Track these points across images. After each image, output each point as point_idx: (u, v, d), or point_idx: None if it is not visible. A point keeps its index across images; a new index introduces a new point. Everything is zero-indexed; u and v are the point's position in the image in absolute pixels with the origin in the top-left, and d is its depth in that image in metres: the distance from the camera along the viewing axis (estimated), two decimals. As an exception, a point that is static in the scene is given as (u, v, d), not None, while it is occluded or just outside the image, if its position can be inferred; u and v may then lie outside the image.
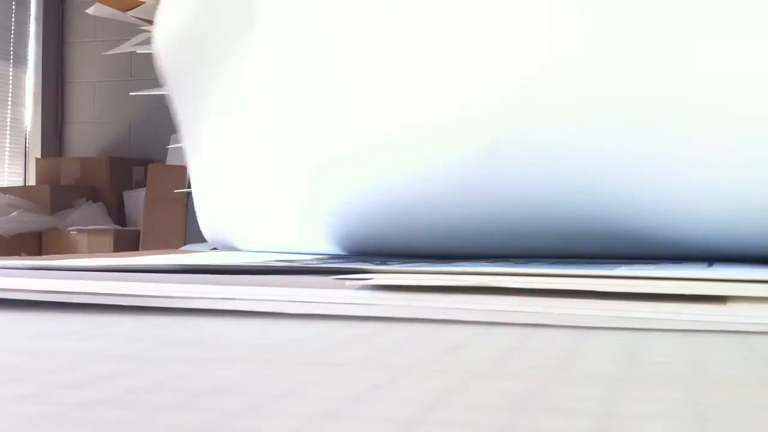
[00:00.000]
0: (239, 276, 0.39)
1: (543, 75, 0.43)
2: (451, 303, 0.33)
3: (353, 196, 0.53)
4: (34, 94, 3.29)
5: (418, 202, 0.50)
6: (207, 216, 0.70)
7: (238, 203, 0.65)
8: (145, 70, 2.99)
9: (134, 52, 2.70)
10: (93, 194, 2.96)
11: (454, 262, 0.47)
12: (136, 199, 2.89)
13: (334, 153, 0.53)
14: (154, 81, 2.82)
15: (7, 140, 3.23)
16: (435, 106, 0.47)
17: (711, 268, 0.42)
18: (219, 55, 0.59)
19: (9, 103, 3.21)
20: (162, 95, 2.90)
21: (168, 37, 0.61)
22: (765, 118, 0.39)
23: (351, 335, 0.30)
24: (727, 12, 0.38)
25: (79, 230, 2.73)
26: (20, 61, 3.26)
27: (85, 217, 2.80)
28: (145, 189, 2.72)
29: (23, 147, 3.31)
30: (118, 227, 2.85)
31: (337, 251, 0.59)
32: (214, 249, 0.76)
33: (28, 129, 3.31)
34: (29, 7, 3.25)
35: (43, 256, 0.65)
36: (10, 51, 3.20)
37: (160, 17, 0.62)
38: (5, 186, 3.10)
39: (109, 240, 2.71)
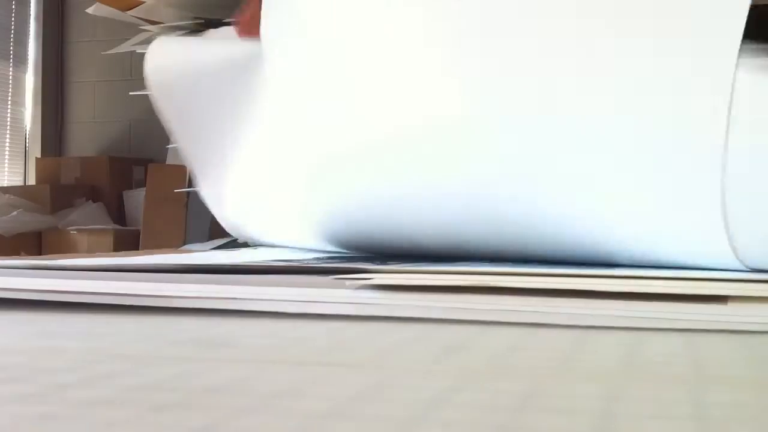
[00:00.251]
0: (239, 276, 0.39)
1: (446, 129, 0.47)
2: (451, 303, 0.33)
3: (345, 196, 0.54)
4: (34, 93, 3.28)
5: (396, 205, 0.51)
6: (222, 207, 0.72)
7: (249, 201, 0.66)
8: (145, 70, 2.99)
9: (134, 51, 2.70)
10: (93, 194, 2.96)
11: (454, 262, 0.47)
12: (136, 199, 2.89)
13: (331, 153, 0.53)
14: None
15: (7, 140, 3.22)
16: (401, 122, 0.49)
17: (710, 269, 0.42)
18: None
19: (9, 102, 3.21)
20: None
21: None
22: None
23: (351, 335, 0.30)
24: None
25: (79, 230, 2.73)
26: (20, 60, 3.26)
27: (85, 217, 2.80)
28: (145, 189, 2.72)
29: (23, 147, 3.31)
30: (118, 227, 2.85)
31: (337, 249, 0.60)
32: (216, 248, 0.76)
33: (28, 129, 3.31)
34: (29, 6, 3.25)
35: (43, 256, 0.65)
36: (10, 51, 3.20)
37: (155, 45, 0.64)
38: (5, 186, 3.09)
39: (109, 240, 2.71)
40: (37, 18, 3.24)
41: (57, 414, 0.18)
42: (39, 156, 3.19)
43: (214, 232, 2.73)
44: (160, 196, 2.64)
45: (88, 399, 0.19)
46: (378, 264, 0.45)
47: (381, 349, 0.27)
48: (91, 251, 2.51)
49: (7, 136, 3.20)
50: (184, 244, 2.47)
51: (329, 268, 0.40)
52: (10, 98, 3.20)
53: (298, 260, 0.52)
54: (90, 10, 2.62)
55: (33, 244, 2.72)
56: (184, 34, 2.39)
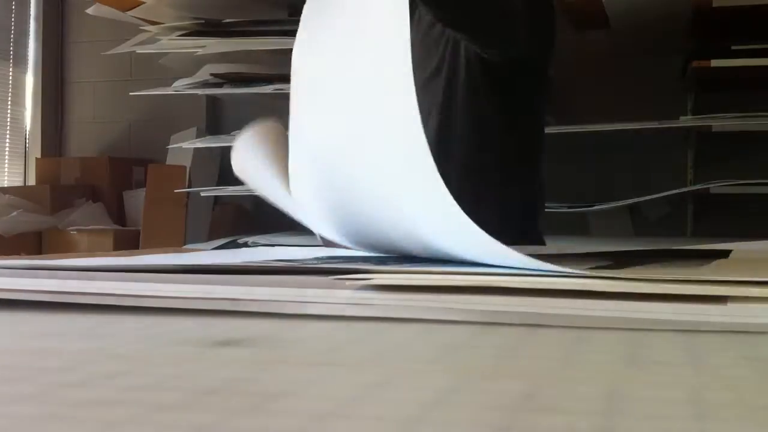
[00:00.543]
0: (239, 276, 0.39)
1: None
2: (451, 303, 0.33)
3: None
4: (34, 94, 3.29)
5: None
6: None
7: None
8: (145, 70, 2.99)
9: (134, 52, 2.71)
10: (93, 194, 2.96)
11: (454, 262, 0.48)
12: (136, 199, 2.90)
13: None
14: (154, 81, 2.81)
15: (7, 140, 3.23)
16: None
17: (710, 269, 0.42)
18: None
19: (9, 103, 3.21)
20: (162, 95, 2.89)
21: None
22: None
23: (351, 335, 0.30)
24: None
25: (79, 230, 2.73)
26: (20, 61, 3.26)
27: (85, 217, 2.80)
28: (145, 189, 2.72)
29: (23, 147, 3.31)
30: (118, 227, 2.86)
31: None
32: (216, 248, 0.76)
33: (28, 129, 3.31)
34: (29, 6, 3.25)
35: (43, 256, 0.65)
36: (10, 51, 3.20)
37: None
38: (5, 186, 3.10)
39: (109, 240, 2.71)
40: (37, 18, 3.25)
41: (57, 414, 0.18)
42: (39, 156, 3.19)
43: (213, 232, 2.73)
44: (160, 196, 2.64)
45: (88, 399, 0.19)
46: (378, 264, 0.45)
47: (381, 349, 0.27)
48: (91, 251, 2.51)
49: (7, 136, 3.20)
50: (184, 244, 2.48)
51: (329, 268, 0.40)
52: (10, 98, 3.20)
53: (298, 260, 0.52)
54: (90, 11, 2.62)
55: (33, 244, 2.72)
56: (183, 34, 2.38)
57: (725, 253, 0.60)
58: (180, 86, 2.54)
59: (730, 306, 0.31)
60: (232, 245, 2.26)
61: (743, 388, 0.21)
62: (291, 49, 0.58)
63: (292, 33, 0.59)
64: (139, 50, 2.59)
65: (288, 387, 0.21)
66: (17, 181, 3.22)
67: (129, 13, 2.55)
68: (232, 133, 2.32)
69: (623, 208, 2.32)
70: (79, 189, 2.93)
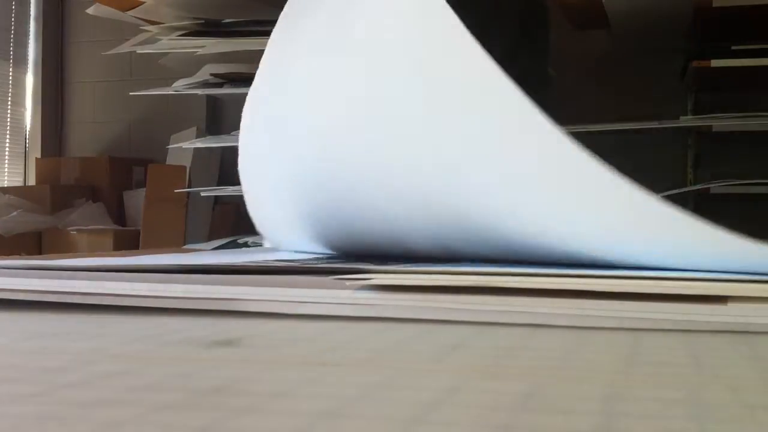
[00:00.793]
0: (239, 276, 0.39)
1: None
2: (451, 303, 0.33)
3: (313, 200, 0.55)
4: (34, 94, 3.29)
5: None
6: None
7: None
8: (145, 70, 2.99)
9: (134, 52, 2.70)
10: (93, 194, 2.96)
11: (453, 262, 0.47)
12: (136, 199, 2.90)
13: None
14: (154, 81, 2.81)
15: (7, 140, 3.23)
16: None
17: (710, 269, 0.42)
18: None
19: (9, 103, 3.21)
20: (162, 95, 2.89)
21: None
22: None
23: (351, 335, 0.30)
24: None
25: (79, 230, 2.73)
26: (20, 61, 3.26)
27: (85, 217, 2.80)
28: (145, 189, 2.72)
29: (23, 147, 3.31)
30: (118, 227, 2.86)
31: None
32: (216, 248, 0.76)
33: (28, 129, 3.31)
34: (29, 6, 3.25)
35: (43, 256, 0.65)
36: (10, 51, 3.20)
37: None
38: (5, 186, 3.10)
39: (109, 240, 2.71)
40: (37, 18, 3.25)
41: (57, 414, 0.18)
42: (39, 156, 3.19)
43: (213, 232, 2.73)
44: (160, 196, 2.64)
45: (88, 399, 0.19)
46: (378, 264, 0.45)
47: (381, 349, 0.27)
48: (91, 251, 2.51)
49: (7, 136, 3.20)
50: (184, 244, 2.47)
51: (329, 268, 0.40)
52: (10, 98, 3.20)
53: (298, 260, 0.52)
54: (90, 11, 2.62)
55: (33, 244, 2.72)
56: (183, 34, 2.38)
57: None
58: (180, 86, 2.54)
59: (730, 306, 0.31)
60: (232, 245, 2.26)
61: (743, 388, 0.21)
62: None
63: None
64: (139, 50, 2.58)
65: (288, 387, 0.21)
66: (17, 181, 3.22)
67: (129, 13, 2.55)
68: (232, 133, 2.31)
69: (623, 208, 2.31)
70: (79, 189, 2.93)
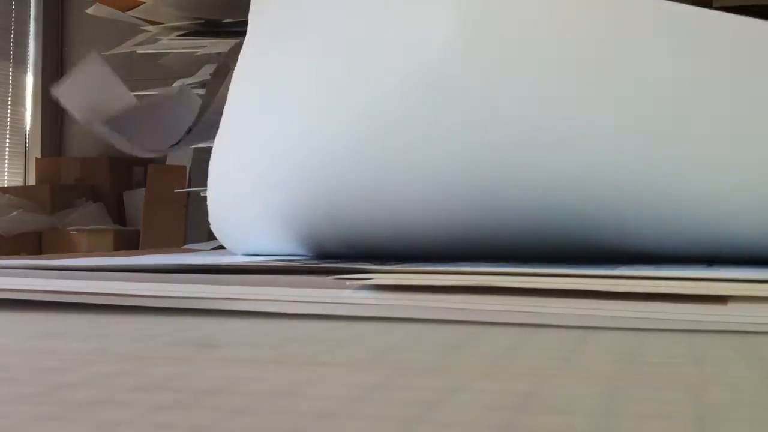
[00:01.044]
0: (239, 276, 0.39)
1: None
2: (451, 303, 0.33)
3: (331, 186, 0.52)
4: (34, 93, 3.29)
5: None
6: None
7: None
8: (145, 70, 2.99)
9: (134, 52, 2.70)
10: (93, 194, 2.96)
11: (453, 262, 0.47)
12: (136, 199, 2.90)
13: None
14: (154, 81, 2.82)
15: (7, 140, 3.23)
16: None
17: (711, 268, 0.42)
18: None
19: (9, 103, 3.21)
20: (162, 95, 2.86)
21: None
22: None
23: (351, 335, 0.30)
24: None
25: (79, 230, 2.73)
26: (20, 61, 3.26)
27: (85, 217, 2.80)
28: (145, 189, 2.72)
29: (23, 147, 3.31)
30: (118, 227, 2.86)
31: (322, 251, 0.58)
32: (216, 248, 0.75)
33: (28, 129, 3.32)
34: (29, 6, 3.25)
35: (43, 256, 0.65)
36: (10, 51, 3.21)
37: None
38: (5, 186, 3.10)
39: (109, 240, 2.71)
40: (37, 18, 3.25)
41: (57, 414, 0.18)
42: (39, 156, 3.19)
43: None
44: (160, 196, 2.64)
45: (88, 399, 0.19)
46: (378, 264, 0.45)
47: (381, 349, 0.27)
48: (91, 251, 2.51)
49: (7, 136, 3.20)
50: (184, 244, 2.47)
51: (329, 268, 0.40)
52: (10, 98, 3.20)
53: (298, 260, 0.52)
54: (90, 11, 2.62)
55: (33, 244, 2.72)
56: (183, 34, 2.38)
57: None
58: (180, 86, 2.54)
59: (730, 306, 0.31)
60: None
61: (743, 388, 0.21)
62: None
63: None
64: (139, 50, 2.58)
65: (288, 387, 0.21)
66: (17, 181, 3.22)
67: (129, 13, 2.55)
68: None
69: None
70: (79, 189, 2.93)
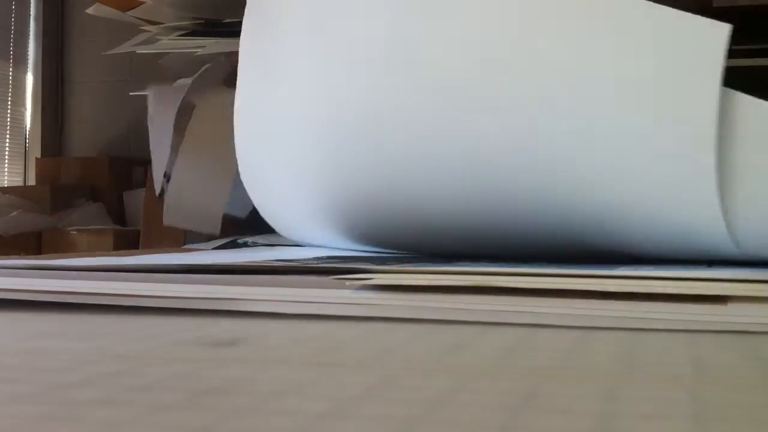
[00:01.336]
0: (239, 276, 0.39)
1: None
2: (451, 303, 0.33)
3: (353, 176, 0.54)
4: (34, 94, 3.28)
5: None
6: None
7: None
8: (145, 70, 2.99)
9: (134, 52, 2.70)
10: (93, 194, 2.96)
11: (454, 262, 0.47)
12: (136, 199, 2.89)
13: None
14: (154, 81, 2.80)
15: (7, 140, 3.22)
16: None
17: (711, 268, 0.42)
18: None
19: (9, 103, 3.21)
20: (162, 95, 2.84)
21: None
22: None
23: (351, 335, 0.30)
24: None
25: (79, 230, 2.73)
26: (20, 61, 3.26)
27: (85, 217, 2.80)
28: (145, 189, 2.72)
29: (23, 147, 3.31)
30: (118, 227, 2.85)
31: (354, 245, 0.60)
32: (216, 248, 0.76)
33: (28, 129, 3.31)
34: (29, 6, 3.25)
35: (43, 256, 0.65)
36: (10, 51, 3.20)
37: None
38: (5, 186, 3.09)
39: (109, 240, 2.70)
40: (37, 18, 3.24)
41: (57, 414, 0.18)
42: (39, 156, 3.18)
43: (213, 232, 2.72)
44: (161, 196, 2.64)
45: (88, 399, 0.19)
46: (378, 264, 0.45)
47: (381, 349, 0.27)
48: (91, 251, 2.50)
49: (7, 136, 3.20)
50: (184, 244, 2.47)
51: (329, 268, 0.40)
52: (10, 98, 3.20)
53: (298, 260, 0.52)
54: (90, 11, 2.62)
55: (33, 244, 2.72)
56: (183, 34, 2.38)
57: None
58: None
59: (730, 306, 0.31)
60: (232, 245, 2.25)
61: (743, 388, 0.21)
62: None
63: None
64: (139, 50, 2.58)
65: (288, 387, 0.21)
66: (17, 181, 3.22)
67: (129, 13, 2.55)
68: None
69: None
70: (79, 189, 2.93)
